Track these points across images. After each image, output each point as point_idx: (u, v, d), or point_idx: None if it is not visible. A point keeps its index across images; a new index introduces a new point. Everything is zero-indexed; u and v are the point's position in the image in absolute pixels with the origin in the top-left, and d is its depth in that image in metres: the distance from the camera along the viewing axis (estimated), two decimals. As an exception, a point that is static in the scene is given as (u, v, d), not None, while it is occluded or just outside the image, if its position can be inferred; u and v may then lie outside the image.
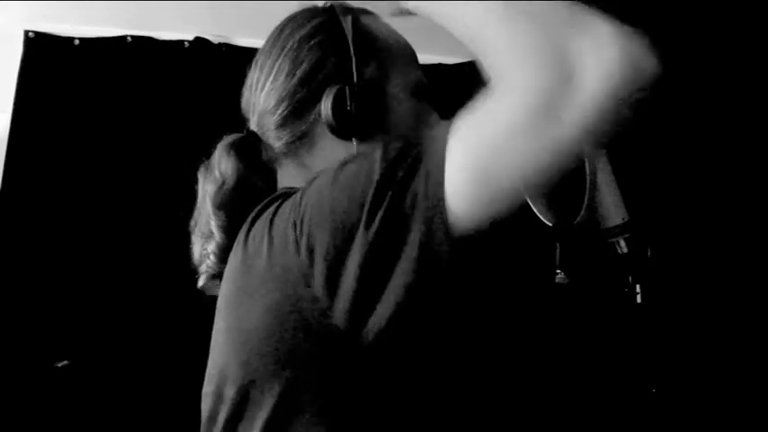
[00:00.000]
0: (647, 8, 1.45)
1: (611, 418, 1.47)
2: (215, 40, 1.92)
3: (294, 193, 0.68)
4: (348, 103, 0.76)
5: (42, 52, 1.83)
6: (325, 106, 0.78)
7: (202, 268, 0.84)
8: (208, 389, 0.77)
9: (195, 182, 0.87)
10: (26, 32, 1.83)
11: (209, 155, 0.87)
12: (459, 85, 2.03)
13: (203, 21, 1.88)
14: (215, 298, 0.83)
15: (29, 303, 1.72)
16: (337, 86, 0.77)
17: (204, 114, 1.83)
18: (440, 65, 2.05)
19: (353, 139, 0.78)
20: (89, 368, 1.71)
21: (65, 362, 1.70)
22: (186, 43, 1.90)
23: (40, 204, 1.77)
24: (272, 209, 0.70)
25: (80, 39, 1.86)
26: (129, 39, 1.88)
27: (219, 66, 1.89)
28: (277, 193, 0.76)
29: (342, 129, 0.78)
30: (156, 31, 1.90)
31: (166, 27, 1.90)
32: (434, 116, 0.86)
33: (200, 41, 1.91)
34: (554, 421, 1.64)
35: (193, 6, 1.78)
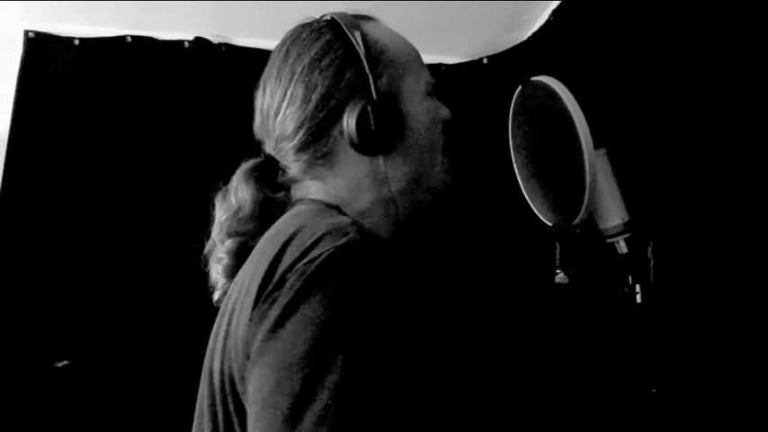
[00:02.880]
0: (647, 9, 1.46)
1: (611, 418, 1.46)
2: (215, 40, 1.92)
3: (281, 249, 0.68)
4: (371, 122, 0.77)
5: (42, 52, 1.83)
6: (349, 127, 0.78)
7: (217, 286, 0.85)
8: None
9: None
10: (26, 32, 1.83)
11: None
12: (459, 85, 2.04)
13: (203, 21, 1.88)
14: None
15: (29, 303, 1.72)
16: (358, 106, 0.77)
17: (204, 115, 1.83)
18: (440, 65, 2.06)
19: (380, 156, 0.79)
20: (89, 368, 1.71)
21: (65, 362, 1.69)
22: (186, 43, 1.90)
23: (41, 204, 1.77)
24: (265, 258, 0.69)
25: (80, 39, 1.86)
26: (128, 39, 1.88)
27: (219, 66, 1.89)
28: (279, 236, 0.73)
29: (368, 147, 0.78)
30: (156, 31, 1.90)
31: (166, 27, 1.89)
32: (445, 110, 0.87)
33: (200, 41, 1.90)
34: (554, 421, 1.64)
35: (193, 6, 1.78)
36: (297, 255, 0.64)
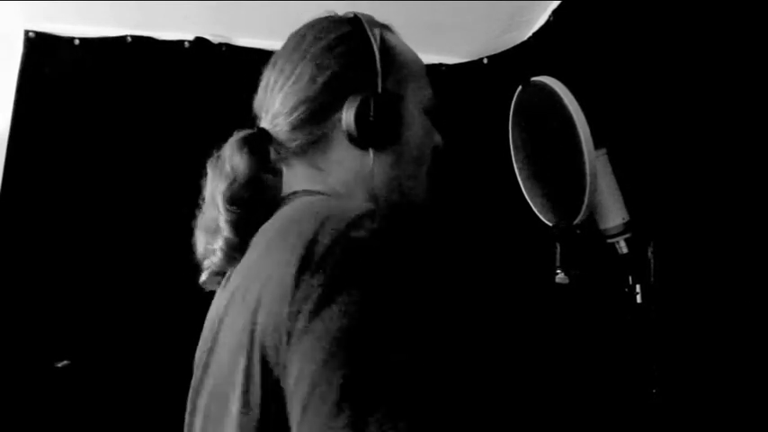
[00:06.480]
0: (647, 9, 1.46)
1: (611, 419, 1.46)
2: (215, 40, 1.92)
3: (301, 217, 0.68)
4: (371, 114, 0.78)
5: (42, 52, 1.84)
6: (348, 114, 0.79)
7: (206, 263, 0.82)
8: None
9: (195, 181, 0.86)
10: (26, 32, 1.83)
11: (215, 150, 0.86)
12: (459, 85, 2.04)
13: (203, 21, 1.88)
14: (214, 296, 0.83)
15: (29, 303, 1.72)
16: (361, 96, 0.78)
17: (204, 114, 1.83)
18: (440, 65, 2.06)
19: (370, 149, 0.80)
20: (89, 368, 1.71)
21: (65, 362, 1.70)
22: (186, 43, 1.90)
23: (41, 204, 1.78)
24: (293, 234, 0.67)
25: (80, 39, 1.86)
26: (129, 39, 1.88)
27: (220, 66, 1.89)
28: (288, 212, 0.74)
29: (361, 138, 0.79)
30: (157, 31, 1.90)
31: (166, 27, 1.90)
32: (438, 136, 0.88)
33: (200, 41, 1.90)
34: (554, 422, 1.64)
35: (193, 6, 1.78)
36: (333, 237, 0.64)
